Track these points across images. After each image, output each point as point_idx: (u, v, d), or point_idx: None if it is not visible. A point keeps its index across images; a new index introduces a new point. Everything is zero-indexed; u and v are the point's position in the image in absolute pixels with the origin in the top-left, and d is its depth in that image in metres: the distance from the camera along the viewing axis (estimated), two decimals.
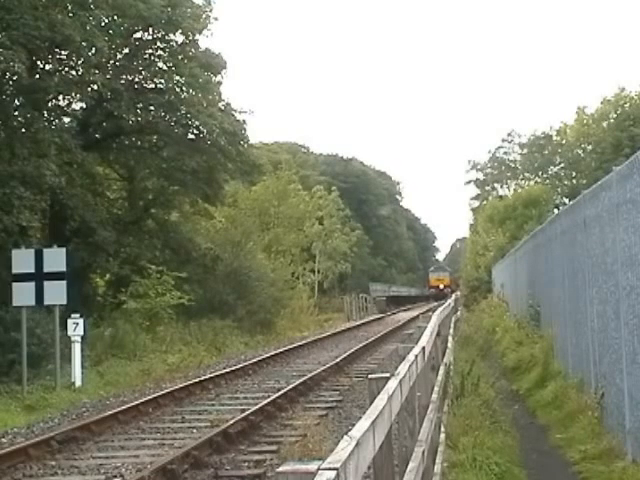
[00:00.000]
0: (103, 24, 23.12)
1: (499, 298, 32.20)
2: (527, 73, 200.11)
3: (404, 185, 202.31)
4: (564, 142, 64.23)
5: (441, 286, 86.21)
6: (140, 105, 26.26)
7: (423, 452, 5.75)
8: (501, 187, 69.73)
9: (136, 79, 26.62)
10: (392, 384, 4.42)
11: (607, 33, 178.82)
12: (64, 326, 17.19)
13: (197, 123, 27.02)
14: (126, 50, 26.14)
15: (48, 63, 23.28)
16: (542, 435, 10.75)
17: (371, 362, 21.21)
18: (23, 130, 21.14)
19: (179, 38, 26.93)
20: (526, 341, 18.46)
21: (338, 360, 20.35)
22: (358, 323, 42.41)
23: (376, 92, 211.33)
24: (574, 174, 61.52)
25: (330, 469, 2.37)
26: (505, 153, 70.44)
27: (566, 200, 51.68)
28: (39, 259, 16.84)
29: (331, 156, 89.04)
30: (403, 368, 5.24)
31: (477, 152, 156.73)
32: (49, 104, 23.16)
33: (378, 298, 64.88)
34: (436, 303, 54.43)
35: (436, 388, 9.01)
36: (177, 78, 26.64)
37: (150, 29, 26.01)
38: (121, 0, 23.40)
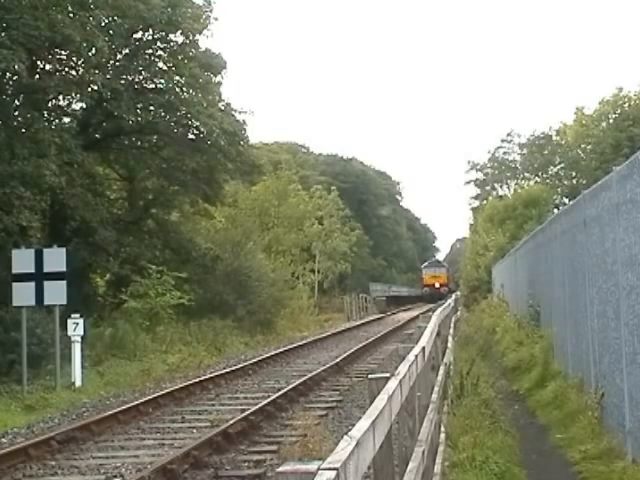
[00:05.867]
0: (103, 24, 23.11)
1: (499, 298, 32.18)
2: (526, 73, 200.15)
3: (404, 185, 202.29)
4: (564, 142, 64.23)
5: (437, 284, 78.53)
6: (140, 105, 26.26)
7: (423, 452, 5.76)
8: (501, 187, 69.69)
9: (136, 79, 26.63)
10: (392, 384, 4.42)
11: (605, 34, 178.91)
12: (64, 326, 17.18)
13: (197, 123, 27.01)
14: (126, 50, 26.15)
15: (48, 63, 23.27)
16: (542, 435, 10.75)
17: (371, 362, 21.20)
18: (23, 130, 21.14)
19: (179, 38, 26.96)
20: (526, 341, 18.45)
21: (338, 360, 20.35)
22: (358, 323, 42.41)
23: (376, 92, 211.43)
24: (574, 174, 61.49)
25: (330, 469, 2.37)
26: (505, 153, 70.35)
27: (566, 200, 51.67)
28: (39, 259, 16.84)
29: (331, 156, 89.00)
30: (403, 368, 5.24)
31: (477, 152, 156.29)
32: (49, 104, 23.17)
33: (378, 298, 64.83)
34: (433, 304, 53.08)
35: (436, 388, 9.01)
36: (177, 78, 26.64)
37: (150, 29, 26.01)
38: (121, 0, 23.40)
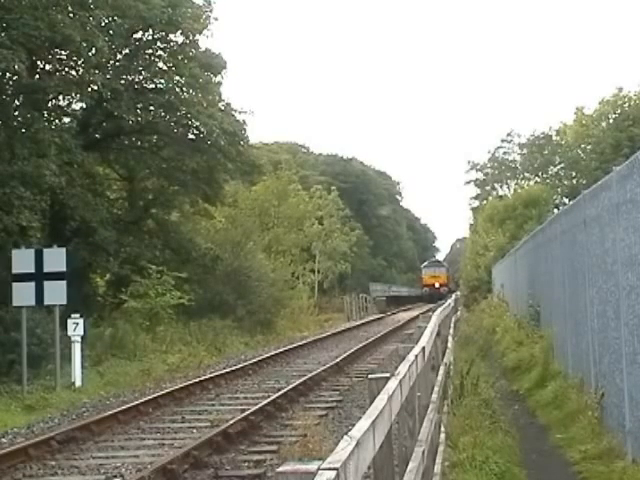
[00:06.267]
0: (103, 24, 23.12)
1: (499, 298, 32.19)
2: (526, 73, 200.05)
3: (404, 185, 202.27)
4: (563, 142, 64.25)
5: (437, 284, 77.24)
6: (140, 105, 26.26)
7: (423, 452, 5.75)
8: (501, 187, 69.70)
9: (136, 79, 26.63)
10: (392, 384, 4.42)
11: (605, 34, 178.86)
12: (64, 326, 17.18)
13: (197, 123, 27.02)
14: (126, 50, 26.14)
15: (48, 63, 23.28)
16: (542, 435, 10.75)
17: (371, 362, 21.21)
18: (23, 130, 21.14)
19: (179, 38, 26.95)
20: (526, 341, 18.46)
21: (338, 360, 20.35)
22: (358, 323, 42.41)
23: (376, 92, 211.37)
24: (574, 174, 61.51)
25: (330, 469, 2.37)
26: (505, 153, 70.36)
27: (566, 200, 51.67)
28: (39, 259, 16.84)
29: (331, 156, 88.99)
30: (403, 368, 5.24)
31: (477, 152, 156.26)
32: (49, 104, 23.16)
33: (378, 298, 64.78)
34: (433, 305, 52.91)
35: (436, 388, 9.01)
36: (177, 78, 26.64)
37: (150, 29, 26.00)
38: (121, 0, 23.39)
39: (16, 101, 21.97)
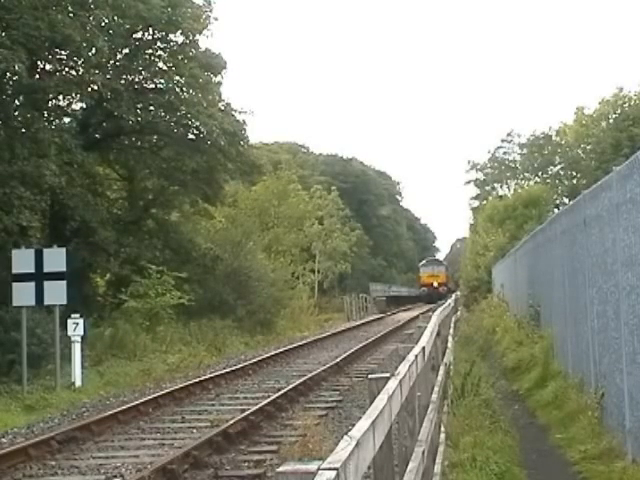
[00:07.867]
0: (103, 24, 23.11)
1: (499, 298, 32.16)
2: (526, 73, 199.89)
3: (404, 185, 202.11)
4: (564, 142, 64.28)
5: (435, 284, 74.42)
6: (140, 105, 26.28)
7: (423, 452, 5.76)
8: (501, 187, 69.72)
9: (136, 79, 26.64)
10: (392, 384, 4.42)
11: (605, 34, 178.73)
12: (64, 326, 17.19)
13: (197, 123, 27.03)
14: (126, 50, 26.15)
15: (48, 63, 23.29)
16: (542, 435, 10.75)
17: (371, 362, 21.21)
18: (23, 130, 21.15)
19: (179, 38, 26.97)
20: (526, 341, 18.45)
21: (338, 360, 20.36)
22: (358, 323, 42.41)
23: (376, 92, 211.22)
24: (574, 174, 61.55)
25: (330, 469, 2.37)
26: (505, 153, 70.39)
27: (566, 200, 51.71)
28: (39, 259, 16.84)
29: (331, 156, 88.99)
30: (403, 368, 5.25)
31: (477, 152, 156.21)
32: (49, 104, 23.18)
33: (378, 298, 64.74)
34: (432, 305, 52.34)
35: (436, 388, 9.01)
36: (177, 78, 26.66)
37: (150, 29, 26.02)
38: (121, 0, 23.40)
39: (16, 101, 21.99)
